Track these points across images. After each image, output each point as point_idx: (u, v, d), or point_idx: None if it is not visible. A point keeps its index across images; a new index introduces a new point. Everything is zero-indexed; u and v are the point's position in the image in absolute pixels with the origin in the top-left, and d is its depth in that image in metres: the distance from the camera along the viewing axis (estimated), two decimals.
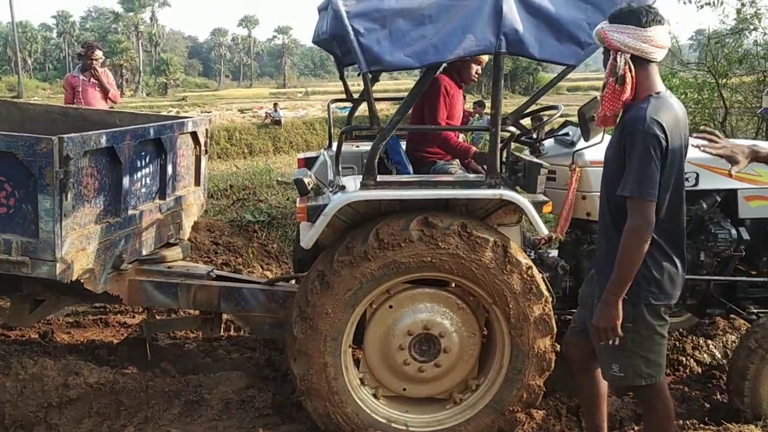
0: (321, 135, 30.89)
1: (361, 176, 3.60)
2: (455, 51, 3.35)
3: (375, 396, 3.79)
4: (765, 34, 11.24)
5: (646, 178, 2.62)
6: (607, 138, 3.72)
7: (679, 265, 2.86)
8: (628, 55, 2.68)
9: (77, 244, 3.59)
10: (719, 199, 4.17)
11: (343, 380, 3.64)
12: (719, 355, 4.90)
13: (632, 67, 2.70)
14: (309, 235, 3.52)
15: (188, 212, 4.88)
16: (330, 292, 3.51)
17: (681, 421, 3.88)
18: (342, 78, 4.98)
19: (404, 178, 4.04)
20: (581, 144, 3.99)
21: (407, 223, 3.46)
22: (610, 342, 2.77)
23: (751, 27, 11.18)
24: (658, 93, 2.74)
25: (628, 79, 2.69)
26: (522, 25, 3.37)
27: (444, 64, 4.61)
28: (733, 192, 4.14)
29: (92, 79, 7.34)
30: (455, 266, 3.49)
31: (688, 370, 4.77)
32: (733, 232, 4.10)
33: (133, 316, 5.81)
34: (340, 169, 3.82)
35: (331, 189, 3.71)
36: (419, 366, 3.70)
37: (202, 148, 4.95)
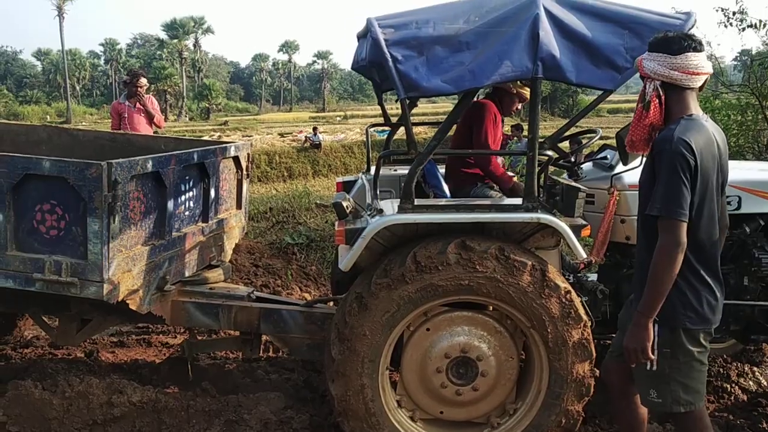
0: (359, 158, 31.11)
1: (398, 200, 3.64)
2: (492, 77, 3.38)
3: (412, 419, 3.79)
4: None
5: (675, 198, 2.61)
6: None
7: (716, 289, 2.82)
8: (658, 83, 2.72)
9: (123, 266, 3.69)
10: (762, 223, 4.11)
11: (380, 402, 3.65)
12: (765, 383, 4.79)
13: (661, 93, 2.73)
14: (347, 257, 3.57)
15: (230, 235, 4.98)
16: (368, 313, 3.54)
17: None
18: (380, 103, 5.05)
19: (442, 201, 4.07)
20: (620, 168, 3.99)
21: (445, 247, 3.48)
22: (645, 365, 2.74)
23: None
24: (690, 115, 2.74)
25: (654, 105, 2.73)
26: (559, 50, 3.39)
27: (488, 90, 4.69)
28: None
29: (138, 106, 7.55)
30: (493, 290, 3.50)
31: (733, 398, 4.66)
32: None
33: (175, 337, 5.91)
34: (378, 192, 3.86)
35: (369, 212, 3.75)
36: (456, 389, 3.69)
37: (244, 172, 5.05)
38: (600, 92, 3.70)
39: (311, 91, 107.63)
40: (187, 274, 4.41)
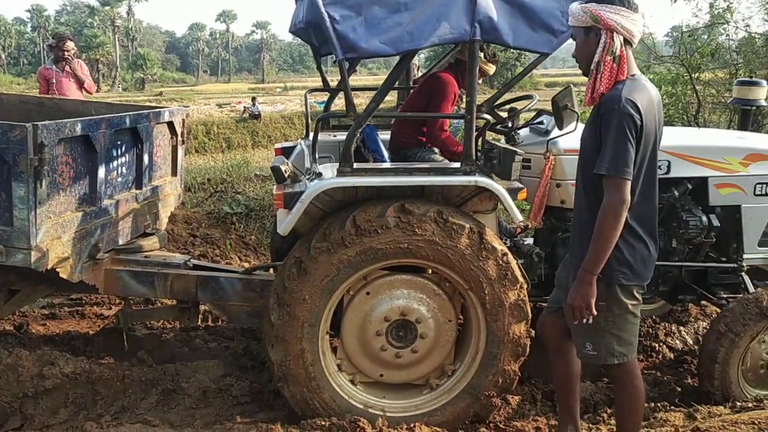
0: (300, 129, 30.77)
1: (338, 164, 3.62)
2: (430, 38, 3.37)
3: (352, 382, 3.82)
4: (737, 28, 11.43)
5: (622, 157, 2.66)
6: (581, 126, 3.78)
7: (651, 247, 2.91)
8: (622, 38, 2.75)
9: (52, 233, 3.57)
10: (690, 187, 4.25)
11: (320, 366, 3.67)
12: (690, 341, 5.00)
13: (625, 48, 2.77)
14: (286, 222, 3.54)
15: (165, 202, 4.87)
16: (307, 278, 3.52)
17: (653, 404, 3.96)
18: (319, 67, 5.00)
19: (381, 165, 4.06)
20: (555, 132, 4.04)
21: (384, 210, 3.49)
22: (584, 321, 2.80)
23: (723, 21, 11.35)
24: (633, 75, 2.79)
25: (623, 60, 2.76)
26: (496, 12, 3.41)
27: (450, 61, 4.69)
28: (703, 180, 4.22)
29: (66, 71, 7.27)
30: (431, 253, 3.53)
31: (660, 356, 4.85)
32: (704, 219, 4.18)
33: (110, 308, 5.78)
34: (317, 156, 3.83)
35: (308, 176, 3.72)
36: (396, 352, 3.73)
37: (179, 138, 4.93)
38: (536, 55, 3.74)
39: (250, 61, 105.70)
40: (120, 242, 4.30)
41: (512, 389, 3.85)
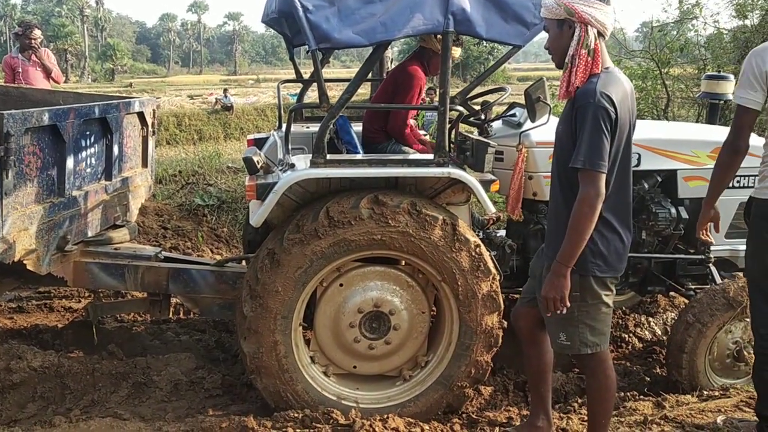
0: (272, 121, 30.57)
1: (311, 155, 3.60)
2: (404, 29, 3.36)
3: (325, 374, 3.82)
4: (705, 24, 11.60)
5: (597, 150, 2.66)
6: (554, 119, 3.78)
7: (625, 238, 2.92)
8: (596, 30, 2.74)
9: (19, 224, 3.49)
10: (660, 179, 4.31)
11: (293, 358, 3.65)
12: (659, 332, 5.09)
13: (599, 41, 2.76)
14: (258, 213, 3.52)
15: (135, 194, 4.80)
16: (280, 270, 3.51)
17: (623, 393, 4.02)
18: (292, 58, 4.97)
19: (354, 156, 4.05)
20: (528, 125, 4.06)
21: (357, 201, 3.48)
22: (558, 312, 2.82)
23: (692, 17, 11.51)
24: (607, 68, 2.79)
25: (597, 53, 2.75)
26: (469, 4, 3.42)
27: (414, 50, 4.67)
28: (673, 172, 4.29)
29: (32, 59, 7.13)
30: (405, 244, 3.53)
31: (630, 347, 4.93)
32: (673, 211, 4.25)
33: (79, 301, 5.70)
34: (290, 147, 3.81)
35: (280, 168, 3.70)
36: (369, 343, 3.73)
37: (150, 129, 4.87)
38: (509, 48, 3.75)
39: (222, 53, 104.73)
40: (89, 234, 4.23)
41: (485, 380, 3.88)
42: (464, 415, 3.86)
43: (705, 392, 3.92)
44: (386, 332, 3.75)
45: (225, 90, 35.66)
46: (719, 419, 3.47)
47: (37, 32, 7.23)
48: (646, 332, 5.08)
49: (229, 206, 7.69)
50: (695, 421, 3.47)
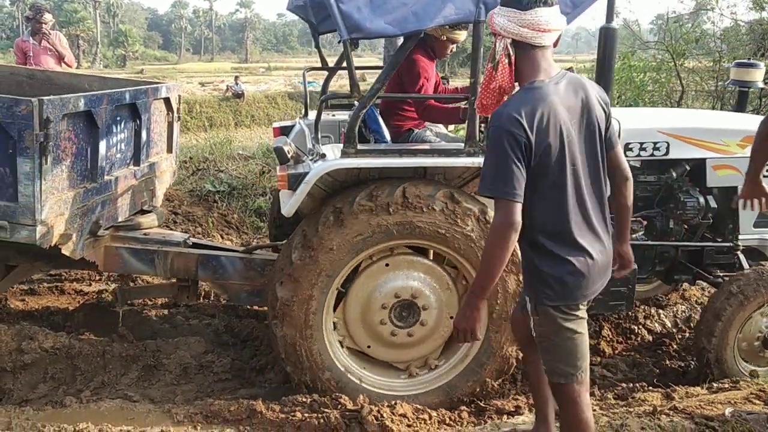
0: (283, 109, 30.58)
1: (340, 144, 3.63)
2: (435, 19, 3.37)
3: (341, 344, 3.87)
4: (722, 15, 11.49)
5: (503, 176, 2.41)
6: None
7: (577, 263, 2.56)
8: (509, 41, 2.48)
9: (56, 209, 3.55)
10: (688, 168, 4.31)
11: (320, 318, 3.70)
12: (669, 324, 5.11)
13: (511, 52, 2.49)
14: (290, 202, 3.55)
15: (161, 179, 4.86)
16: (342, 230, 3.56)
17: (632, 384, 4.03)
18: (317, 46, 4.98)
19: (384, 146, 4.08)
20: None
21: (435, 191, 3.55)
22: (470, 343, 2.72)
23: (708, 8, 11.40)
24: (533, 82, 2.50)
25: (503, 65, 2.49)
26: None
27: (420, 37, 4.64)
28: (701, 161, 4.29)
29: (44, 44, 7.12)
30: (464, 248, 3.61)
31: (639, 338, 4.93)
32: (701, 200, 4.27)
33: (90, 284, 5.75)
34: (319, 137, 3.84)
35: (311, 157, 3.73)
36: (393, 329, 3.78)
37: (175, 114, 4.90)
38: None
39: (233, 41, 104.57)
40: (119, 219, 4.29)
41: (481, 401, 3.88)
42: (472, 404, 3.87)
43: (715, 384, 3.92)
44: (412, 324, 3.79)
45: (236, 77, 35.60)
46: (728, 411, 3.47)
47: (48, 16, 7.22)
48: (656, 324, 5.08)
49: (239, 193, 7.71)
50: (704, 412, 3.47)
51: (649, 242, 4.35)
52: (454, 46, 4.51)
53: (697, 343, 4.13)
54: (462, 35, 4.30)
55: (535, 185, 2.47)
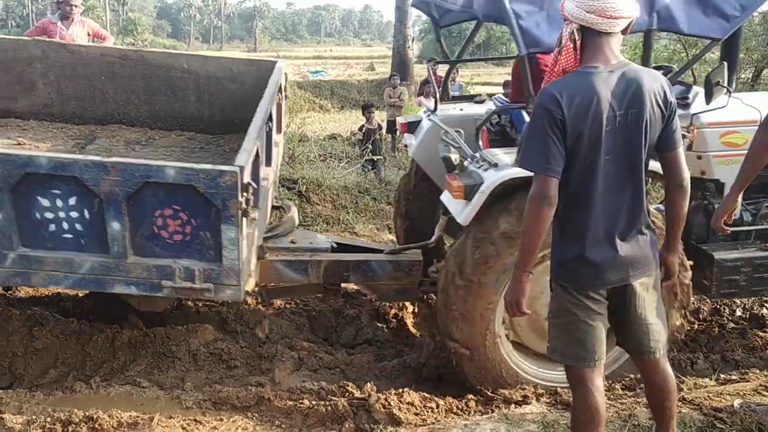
0: (293, 99, 30.52)
1: (507, 149, 3.76)
2: None
3: (507, 337, 3.97)
4: None
5: (540, 151, 2.47)
6: (732, 102, 3.95)
7: (583, 257, 2.58)
8: (575, 26, 2.50)
9: (248, 258, 3.48)
10: None
11: (493, 313, 3.78)
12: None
13: (577, 38, 2.51)
14: (466, 212, 3.65)
15: (276, 162, 4.77)
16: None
17: (639, 375, 4.00)
18: (438, 39, 5.04)
19: None
20: (699, 106, 4.11)
21: None
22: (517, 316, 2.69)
23: None
24: (587, 67, 2.51)
25: (567, 50, 2.52)
26: (672, 1, 3.48)
27: None
28: None
29: (71, 28, 7.04)
30: None
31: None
32: None
33: None
34: (480, 143, 3.97)
35: (478, 165, 3.78)
36: None
37: (283, 94, 4.85)
38: (707, 42, 3.88)
39: (242, 30, 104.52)
40: (266, 224, 4.28)
41: None
42: (480, 394, 3.88)
43: (723, 375, 3.90)
44: None
45: None
46: (736, 403, 3.46)
47: (78, 0, 7.13)
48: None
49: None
50: (713, 404, 3.47)
51: None
52: None
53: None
54: None
55: (566, 168, 2.50)
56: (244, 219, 3.23)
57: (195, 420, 3.44)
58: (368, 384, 3.72)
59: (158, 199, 3.21)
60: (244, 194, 3.16)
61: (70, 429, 3.27)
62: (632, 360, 2.93)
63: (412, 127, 4.92)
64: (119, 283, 3.34)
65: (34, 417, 3.33)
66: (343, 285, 4.60)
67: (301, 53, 62.96)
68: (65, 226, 3.26)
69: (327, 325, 4.80)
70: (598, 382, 2.69)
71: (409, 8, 17.52)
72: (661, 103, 2.55)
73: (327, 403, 3.56)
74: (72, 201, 3.22)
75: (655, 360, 2.77)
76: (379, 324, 4.82)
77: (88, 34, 7.07)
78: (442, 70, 6.41)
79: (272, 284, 4.30)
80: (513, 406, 3.66)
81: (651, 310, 2.73)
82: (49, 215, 3.24)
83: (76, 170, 3.12)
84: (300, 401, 3.61)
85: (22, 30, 71.22)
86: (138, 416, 3.38)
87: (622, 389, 3.88)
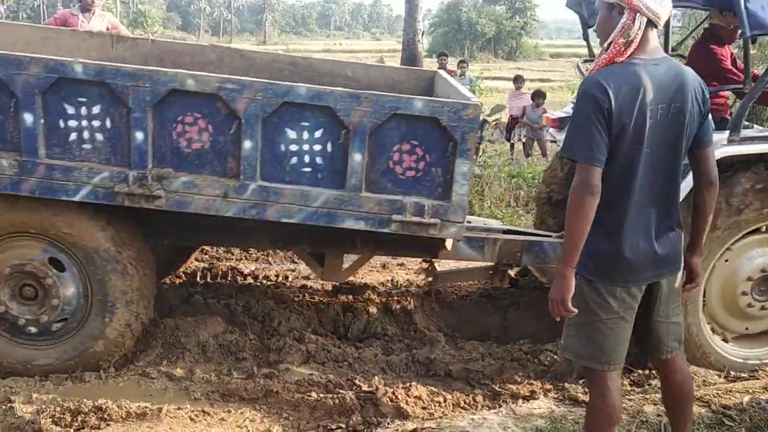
0: None
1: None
2: None
3: (724, 340, 4.18)
4: None
5: (584, 139, 2.44)
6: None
7: (619, 251, 2.55)
8: (645, 19, 2.47)
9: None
10: None
11: (698, 295, 3.97)
12: None
13: (642, 31, 2.49)
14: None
15: None
16: (732, 215, 3.89)
17: (648, 371, 4.00)
18: (586, 38, 5.03)
19: (764, 133, 4.26)
20: None
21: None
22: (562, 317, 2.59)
23: None
24: (633, 58, 2.50)
25: (635, 42, 2.48)
26: None
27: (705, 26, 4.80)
28: None
29: (92, 22, 7.01)
30: None
31: None
32: None
33: None
34: None
35: None
36: (762, 305, 4.06)
37: None
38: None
39: (252, 22, 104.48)
40: None
41: None
42: (487, 388, 3.88)
43: (732, 373, 3.89)
44: None
45: None
46: (746, 400, 3.45)
47: None
48: None
49: None
50: (722, 401, 3.47)
51: None
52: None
53: None
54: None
55: (608, 159, 2.47)
56: (477, 156, 3.39)
57: (203, 411, 3.46)
58: (376, 377, 3.73)
59: (399, 132, 3.46)
60: (480, 130, 3.34)
61: (80, 418, 3.30)
62: (651, 360, 2.91)
63: (563, 123, 4.87)
64: (350, 218, 3.55)
65: (43, 406, 3.36)
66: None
67: (310, 46, 62.87)
68: (306, 159, 3.49)
69: (335, 318, 4.81)
70: (617, 382, 2.67)
71: (419, 1, 17.29)
72: (699, 100, 2.56)
73: (335, 396, 3.57)
74: (318, 133, 3.46)
75: (675, 358, 2.77)
76: (387, 318, 4.82)
77: (107, 28, 7.05)
78: (452, 64, 6.40)
79: (450, 259, 4.49)
80: (520, 401, 3.66)
81: (674, 308, 2.73)
82: (294, 147, 3.47)
83: (331, 100, 3.38)
84: (308, 394, 3.62)
85: (34, 21, 71.42)
86: (146, 407, 3.40)
87: (630, 385, 3.88)
